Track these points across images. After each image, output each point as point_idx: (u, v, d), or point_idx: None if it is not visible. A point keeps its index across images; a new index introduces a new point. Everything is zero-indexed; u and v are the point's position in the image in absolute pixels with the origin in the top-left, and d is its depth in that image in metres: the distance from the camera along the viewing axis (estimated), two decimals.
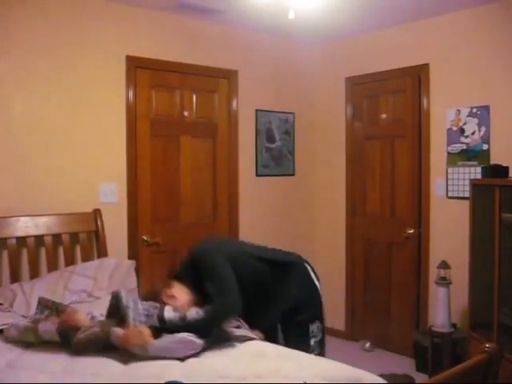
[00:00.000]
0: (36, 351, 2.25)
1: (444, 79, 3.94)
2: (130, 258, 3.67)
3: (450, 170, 3.91)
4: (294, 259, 2.76)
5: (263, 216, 4.50)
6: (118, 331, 2.14)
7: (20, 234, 3.15)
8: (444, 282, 3.55)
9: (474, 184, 3.46)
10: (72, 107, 3.45)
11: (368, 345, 4.37)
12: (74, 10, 3.44)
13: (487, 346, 1.65)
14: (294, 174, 4.75)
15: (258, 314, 2.58)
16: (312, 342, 2.57)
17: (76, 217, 3.38)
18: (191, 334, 2.16)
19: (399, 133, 4.26)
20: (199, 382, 1.87)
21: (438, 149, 3.98)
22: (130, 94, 3.72)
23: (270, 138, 4.56)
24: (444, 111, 3.94)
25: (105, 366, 2.05)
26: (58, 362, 2.09)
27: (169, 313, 2.26)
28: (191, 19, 3.99)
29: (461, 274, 3.52)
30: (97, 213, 3.46)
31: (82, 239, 3.39)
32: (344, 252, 4.69)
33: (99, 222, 3.44)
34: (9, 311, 2.74)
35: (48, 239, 3.25)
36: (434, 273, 3.76)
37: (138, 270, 3.44)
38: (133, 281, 3.27)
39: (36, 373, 2.00)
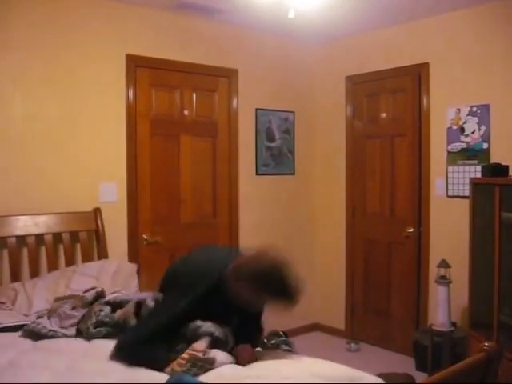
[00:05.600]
0: (38, 349, 2.26)
1: (444, 78, 3.94)
2: (130, 257, 3.68)
3: (450, 168, 3.91)
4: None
5: (263, 215, 4.50)
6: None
7: (20, 232, 3.15)
8: (444, 281, 3.55)
9: (474, 183, 3.46)
10: (72, 106, 3.46)
11: (352, 345, 4.39)
12: (74, 10, 3.45)
13: (486, 344, 1.64)
14: (294, 173, 4.75)
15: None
16: None
17: (76, 216, 3.39)
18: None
19: (399, 132, 4.26)
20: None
21: (438, 148, 3.98)
22: (130, 93, 3.72)
23: (270, 137, 4.56)
24: (444, 110, 3.94)
25: (107, 365, 2.05)
26: (60, 361, 2.10)
27: None
28: (191, 18, 3.99)
29: (461, 273, 3.52)
30: (97, 212, 3.47)
31: (82, 238, 3.39)
32: (344, 251, 4.69)
33: (99, 221, 3.45)
34: (10, 310, 2.74)
35: (48, 238, 3.26)
36: (434, 272, 3.75)
37: (138, 270, 3.44)
38: (134, 283, 3.27)
39: (38, 371, 2.00)
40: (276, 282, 1.98)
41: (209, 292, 2.10)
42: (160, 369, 1.99)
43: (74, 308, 2.51)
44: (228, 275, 2.10)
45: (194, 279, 2.13)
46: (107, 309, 2.41)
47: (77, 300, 2.59)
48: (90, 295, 2.60)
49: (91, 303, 2.52)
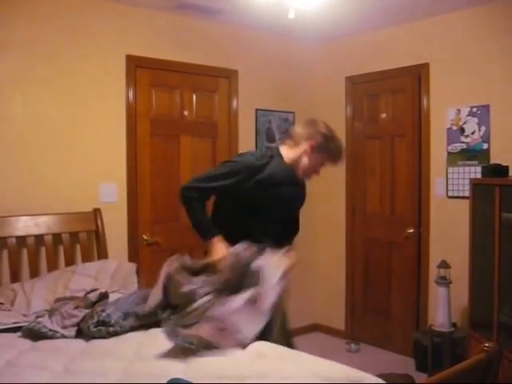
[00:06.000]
0: (37, 349, 2.26)
1: (444, 78, 3.94)
2: (130, 257, 3.68)
3: (450, 169, 3.91)
4: None
5: None
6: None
7: (20, 233, 3.15)
8: (444, 281, 3.55)
9: (474, 183, 3.46)
10: (72, 107, 3.46)
11: (352, 345, 4.39)
12: (75, 10, 3.45)
13: (487, 345, 1.64)
14: None
15: None
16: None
17: (76, 216, 3.39)
18: None
19: (399, 132, 4.26)
20: (200, 381, 1.87)
21: (438, 148, 3.98)
22: (130, 93, 3.72)
23: (270, 138, 4.56)
24: (444, 110, 3.94)
25: (106, 365, 2.05)
26: (59, 361, 2.10)
27: None
28: (191, 19, 3.99)
29: (461, 274, 3.52)
30: (97, 212, 3.47)
31: (82, 239, 3.39)
32: (344, 251, 4.69)
33: (99, 222, 3.45)
34: (9, 310, 2.74)
35: (48, 238, 3.26)
36: (434, 272, 3.76)
37: (137, 270, 3.44)
38: (134, 283, 3.27)
39: (37, 371, 2.00)
40: (336, 141, 2.62)
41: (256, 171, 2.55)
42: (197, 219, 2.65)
43: (76, 308, 2.51)
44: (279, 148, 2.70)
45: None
46: (109, 310, 2.42)
47: (79, 301, 2.60)
48: (93, 296, 2.61)
49: (94, 304, 2.53)
